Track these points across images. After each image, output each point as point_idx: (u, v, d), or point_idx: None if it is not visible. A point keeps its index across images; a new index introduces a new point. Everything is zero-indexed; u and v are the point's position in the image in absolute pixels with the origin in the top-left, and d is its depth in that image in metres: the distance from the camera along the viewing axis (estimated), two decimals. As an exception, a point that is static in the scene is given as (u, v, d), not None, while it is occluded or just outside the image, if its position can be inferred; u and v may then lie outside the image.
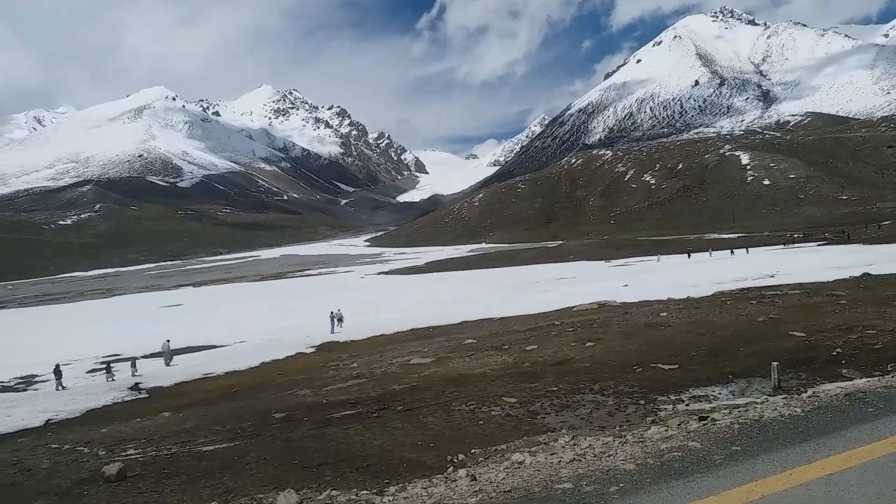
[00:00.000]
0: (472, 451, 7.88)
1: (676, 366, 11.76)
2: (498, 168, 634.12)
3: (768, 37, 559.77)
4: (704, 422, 6.47)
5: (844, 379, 9.53)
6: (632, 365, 12.35)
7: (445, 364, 15.47)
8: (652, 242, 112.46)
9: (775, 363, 9.57)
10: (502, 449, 7.65)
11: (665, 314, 17.40)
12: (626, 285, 39.09)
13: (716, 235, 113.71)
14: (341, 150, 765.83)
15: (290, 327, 35.37)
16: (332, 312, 32.03)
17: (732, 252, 66.44)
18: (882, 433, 5.26)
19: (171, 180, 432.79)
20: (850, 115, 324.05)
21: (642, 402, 9.88)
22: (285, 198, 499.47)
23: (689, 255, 69.58)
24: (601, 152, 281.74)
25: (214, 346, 31.20)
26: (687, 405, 9.32)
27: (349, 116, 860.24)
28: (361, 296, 54.89)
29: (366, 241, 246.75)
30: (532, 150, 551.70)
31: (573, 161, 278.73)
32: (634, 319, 17.72)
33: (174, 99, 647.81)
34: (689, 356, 12.43)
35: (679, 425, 6.53)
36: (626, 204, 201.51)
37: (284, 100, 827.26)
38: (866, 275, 22.62)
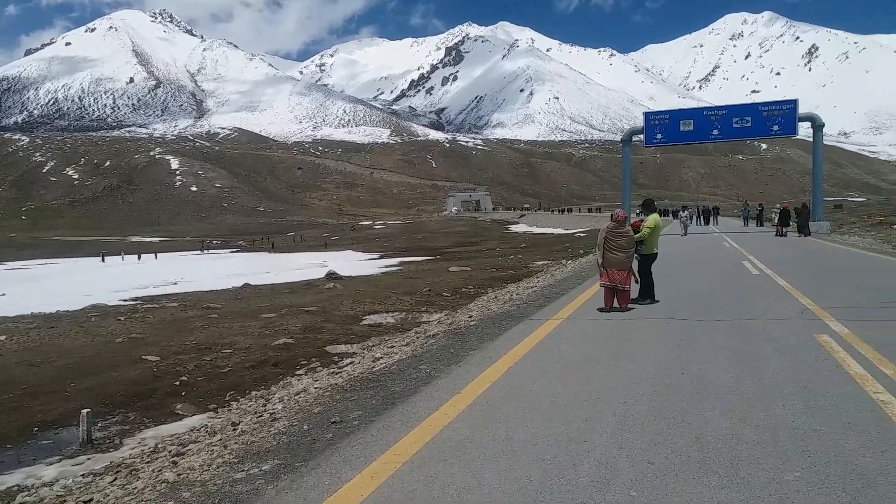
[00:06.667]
0: None
1: (-35, 421, 8.33)
2: None
3: (204, 49, 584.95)
4: None
5: (176, 418, 8.07)
6: None
7: None
8: (67, 243, 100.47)
9: (86, 411, 7.30)
10: None
11: (3, 337, 13.46)
12: (3, 294, 32.23)
13: (139, 238, 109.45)
14: None
15: None
16: None
17: (139, 258, 63.99)
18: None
19: None
20: (271, 137, 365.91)
21: None
22: None
23: (104, 259, 63.97)
24: (16, 136, 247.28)
25: None
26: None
27: None
28: None
29: None
30: None
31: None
32: (-44, 349, 13.12)
33: None
34: (-5, 401, 9.12)
35: None
36: (44, 198, 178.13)
37: None
38: (247, 285, 23.23)
